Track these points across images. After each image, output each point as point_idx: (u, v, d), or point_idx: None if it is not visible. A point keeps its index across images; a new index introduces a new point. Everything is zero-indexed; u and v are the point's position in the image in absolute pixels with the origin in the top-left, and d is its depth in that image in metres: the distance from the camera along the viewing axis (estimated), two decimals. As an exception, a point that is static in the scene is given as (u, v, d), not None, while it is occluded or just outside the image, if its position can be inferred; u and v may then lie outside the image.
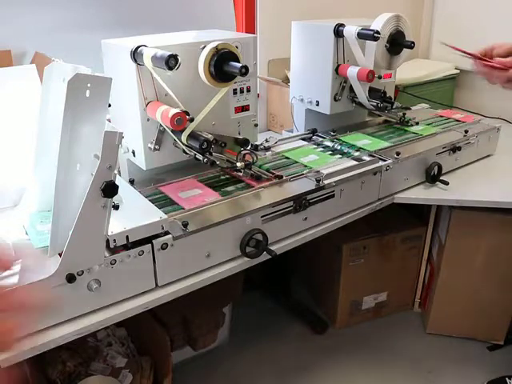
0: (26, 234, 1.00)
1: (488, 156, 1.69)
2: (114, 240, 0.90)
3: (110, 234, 0.89)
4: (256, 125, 1.30)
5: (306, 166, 1.33)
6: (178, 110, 1.03)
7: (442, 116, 1.79)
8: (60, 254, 0.86)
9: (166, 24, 1.73)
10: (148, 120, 1.11)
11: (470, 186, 1.47)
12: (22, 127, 1.09)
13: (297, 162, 1.36)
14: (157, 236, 0.96)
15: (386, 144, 1.50)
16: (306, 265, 2.11)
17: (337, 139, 1.54)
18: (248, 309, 1.97)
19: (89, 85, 0.76)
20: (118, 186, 0.82)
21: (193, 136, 1.09)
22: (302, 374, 1.74)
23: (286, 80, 1.90)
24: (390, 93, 1.66)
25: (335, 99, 1.53)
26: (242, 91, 1.24)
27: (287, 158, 1.39)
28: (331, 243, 1.82)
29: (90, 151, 0.81)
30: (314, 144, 1.52)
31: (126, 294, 0.96)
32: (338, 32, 1.44)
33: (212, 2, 1.88)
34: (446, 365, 1.77)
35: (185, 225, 0.99)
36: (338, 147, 1.47)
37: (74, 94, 0.76)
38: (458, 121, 1.73)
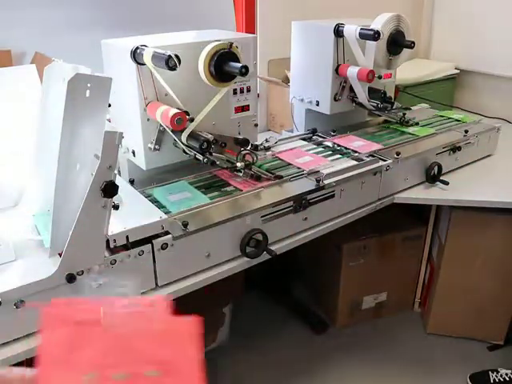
0: (39, 233, 0.99)
1: (488, 156, 1.69)
2: (114, 240, 0.90)
3: (110, 233, 0.89)
4: (256, 125, 1.30)
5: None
6: (177, 110, 1.03)
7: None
8: (60, 254, 0.86)
9: (166, 24, 1.73)
10: (148, 120, 1.11)
11: (469, 186, 1.47)
12: (22, 127, 1.09)
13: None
14: (157, 236, 0.96)
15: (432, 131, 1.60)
16: (305, 265, 2.11)
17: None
18: (248, 309, 1.97)
19: (89, 85, 0.76)
20: (118, 186, 0.82)
21: (193, 136, 1.09)
22: (302, 374, 1.74)
23: (286, 80, 1.90)
24: (390, 93, 1.65)
25: (335, 99, 1.53)
26: (242, 91, 1.24)
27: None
28: (331, 243, 1.82)
29: (90, 151, 0.81)
30: (314, 144, 1.52)
31: (125, 294, 0.96)
32: (338, 32, 1.44)
33: (212, 2, 1.89)
34: (446, 365, 1.77)
35: (185, 225, 0.99)
36: (338, 147, 1.47)
37: (74, 94, 0.76)
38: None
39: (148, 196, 1.14)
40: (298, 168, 1.31)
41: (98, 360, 0.41)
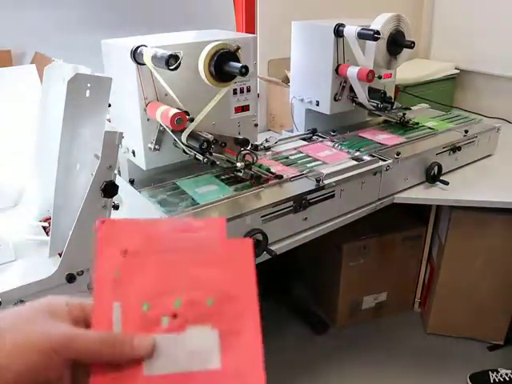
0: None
1: (488, 156, 1.69)
2: (114, 240, 0.90)
3: (110, 233, 0.89)
4: (256, 125, 1.30)
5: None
6: (177, 110, 1.03)
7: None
8: (60, 254, 0.86)
9: (166, 24, 1.73)
10: (148, 120, 1.11)
11: (469, 186, 1.47)
12: (22, 127, 1.09)
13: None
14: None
15: (450, 126, 1.66)
16: (305, 265, 2.11)
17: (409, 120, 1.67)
18: (248, 309, 1.96)
19: (89, 85, 0.76)
20: (118, 186, 0.82)
21: (193, 136, 1.09)
22: (302, 374, 1.74)
23: (286, 80, 1.90)
24: (390, 93, 1.65)
25: (335, 99, 1.53)
26: (242, 91, 1.24)
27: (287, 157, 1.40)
28: (331, 243, 1.82)
29: (90, 151, 0.81)
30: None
31: (126, 294, 0.96)
32: (338, 32, 1.44)
33: (212, 2, 1.89)
34: (446, 365, 1.77)
35: (185, 225, 0.99)
36: (339, 147, 1.47)
37: (74, 94, 0.76)
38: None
39: (176, 188, 1.19)
40: (323, 162, 1.36)
41: (153, 287, 0.40)
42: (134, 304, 0.40)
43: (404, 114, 1.68)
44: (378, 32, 1.34)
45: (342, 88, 1.53)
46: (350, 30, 1.40)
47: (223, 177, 1.25)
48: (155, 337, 0.39)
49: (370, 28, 1.38)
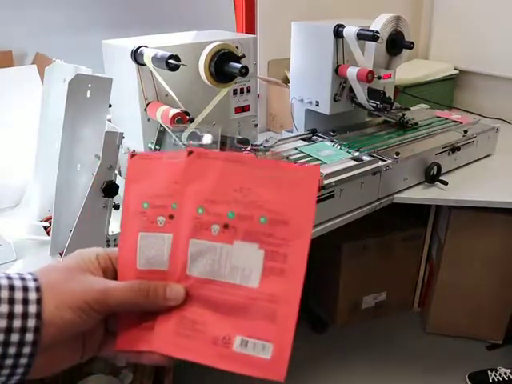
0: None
1: (487, 156, 1.69)
2: (115, 240, 0.90)
3: (110, 233, 0.89)
4: (256, 125, 1.31)
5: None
6: (178, 110, 1.03)
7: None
8: (61, 254, 0.86)
9: (167, 24, 1.74)
10: (148, 120, 1.11)
11: (469, 186, 1.47)
12: (22, 127, 1.09)
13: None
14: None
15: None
16: (305, 264, 2.12)
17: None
18: (248, 308, 1.97)
19: (89, 85, 0.77)
20: (118, 186, 0.83)
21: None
22: (301, 374, 1.74)
23: (286, 80, 1.90)
24: (390, 93, 1.66)
25: (335, 99, 1.53)
26: (242, 91, 1.24)
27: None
28: (331, 243, 1.82)
29: (91, 151, 0.81)
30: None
31: (126, 294, 0.96)
32: (338, 32, 1.44)
33: (212, 1, 1.89)
34: (445, 364, 1.77)
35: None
36: (338, 147, 1.47)
37: (75, 95, 0.77)
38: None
39: (300, 152, 1.37)
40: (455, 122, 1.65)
41: (211, 193, 0.39)
42: (191, 204, 0.40)
43: (403, 115, 1.68)
44: (377, 33, 1.35)
45: (342, 88, 1.54)
46: (350, 31, 1.41)
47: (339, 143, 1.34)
48: (204, 242, 0.39)
49: (370, 29, 1.38)
